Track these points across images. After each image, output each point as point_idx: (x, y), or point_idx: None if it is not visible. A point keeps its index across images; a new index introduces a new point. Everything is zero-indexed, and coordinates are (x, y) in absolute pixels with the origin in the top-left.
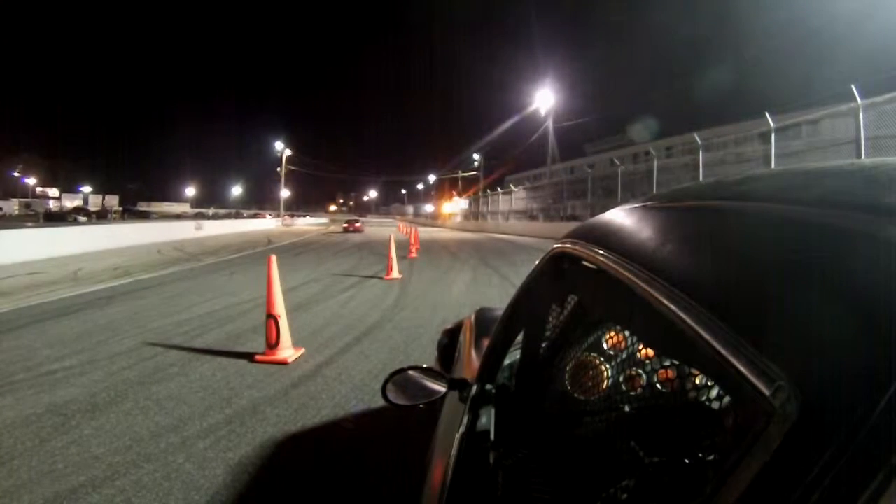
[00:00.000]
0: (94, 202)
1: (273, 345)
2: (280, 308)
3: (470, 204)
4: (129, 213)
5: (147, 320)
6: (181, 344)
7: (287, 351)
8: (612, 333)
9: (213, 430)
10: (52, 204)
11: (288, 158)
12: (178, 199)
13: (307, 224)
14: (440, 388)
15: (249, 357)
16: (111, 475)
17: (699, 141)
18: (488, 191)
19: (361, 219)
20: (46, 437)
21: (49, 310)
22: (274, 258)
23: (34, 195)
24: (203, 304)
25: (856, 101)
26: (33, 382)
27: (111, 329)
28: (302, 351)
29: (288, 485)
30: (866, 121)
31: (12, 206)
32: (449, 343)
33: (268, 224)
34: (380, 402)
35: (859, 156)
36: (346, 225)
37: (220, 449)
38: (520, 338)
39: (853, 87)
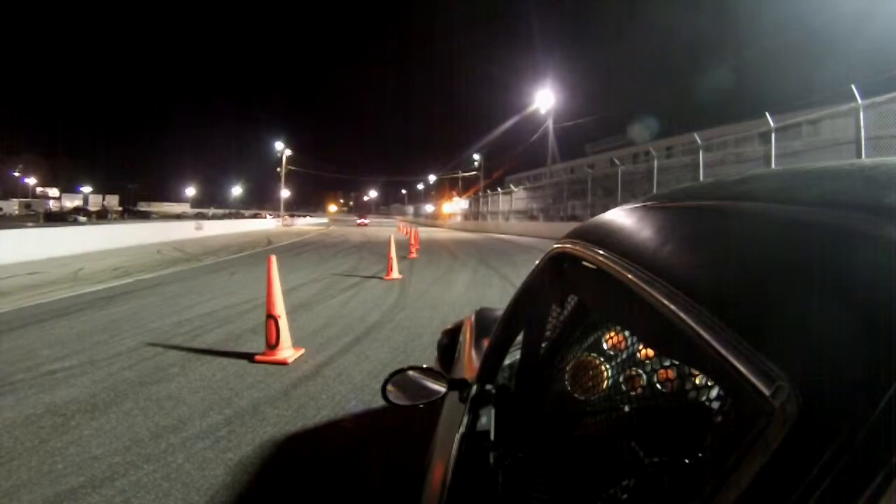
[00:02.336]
0: (95, 202)
1: (273, 345)
2: (280, 308)
3: (470, 204)
4: (130, 213)
5: (147, 320)
6: (181, 344)
7: (287, 351)
8: (612, 333)
9: (213, 430)
10: (52, 204)
11: (288, 159)
12: (179, 199)
13: (307, 224)
14: (440, 388)
15: (249, 357)
16: (111, 476)
17: (699, 141)
18: (488, 191)
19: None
20: (46, 438)
21: (49, 310)
22: (274, 258)
23: (34, 195)
24: (203, 304)
25: (856, 101)
26: (33, 383)
27: (111, 329)
28: (302, 351)
29: (287, 485)
30: (867, 121)
31: (12, 206)
32: (449, 343)
33: (268, 224)
34: (379, 403)
35: (860, 156)
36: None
37: (219, 449)
38: (520, 338)
39: (853, 87)
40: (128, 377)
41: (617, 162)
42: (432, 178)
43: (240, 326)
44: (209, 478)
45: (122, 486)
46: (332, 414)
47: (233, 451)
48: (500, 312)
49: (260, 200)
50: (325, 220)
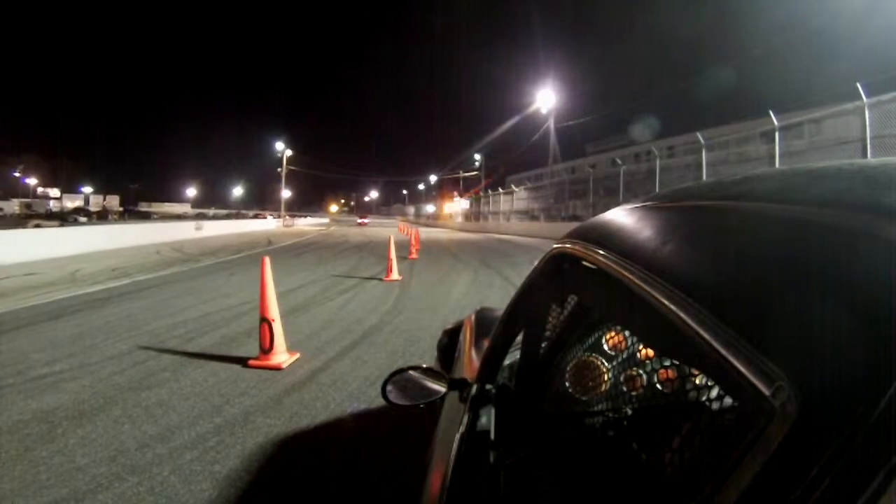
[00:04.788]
0: (95, 202)
1: (267, 350)
2: (274, 311)
3: (471, 204)
4: (130, 213)
5: (142, 323)
6: (174, 348)
7: (281, 356)
8: (612, 333)
9: (202, 440)
10: (52, 204)
11: (289, 159)
12: (180, 199)
13: (308, 224)
14: (440, 388)
15: (243, 362)
16: (94, 488)
17: (702, 140)
18: (489, 191)
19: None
20: (31, 446)
21: (44, 311)
22: (267, 260)
23: (35, 195)
24: (199, 305)
25: (861, 99)
26: (22, 388)
27: (105, 332)
28: (297, 356)
29: (276, 500)
30: (871, 120)
31: (13, 206)
32: (449, 343)
33: (269, 224)
34: (376, 410)
35: (864, 155)
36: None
37: (207, 461)
38: (520, 338)
39: (859, 85)
40: (118, 382)
41: (619, 162)
42: (433, 178)
43: (235, 329)
44: (195, 492)
45: (105, 499)
46: (326, 424)
47: (220, 464)
48: (500, 312)
49: (261, 201)
50: (325, 220)
